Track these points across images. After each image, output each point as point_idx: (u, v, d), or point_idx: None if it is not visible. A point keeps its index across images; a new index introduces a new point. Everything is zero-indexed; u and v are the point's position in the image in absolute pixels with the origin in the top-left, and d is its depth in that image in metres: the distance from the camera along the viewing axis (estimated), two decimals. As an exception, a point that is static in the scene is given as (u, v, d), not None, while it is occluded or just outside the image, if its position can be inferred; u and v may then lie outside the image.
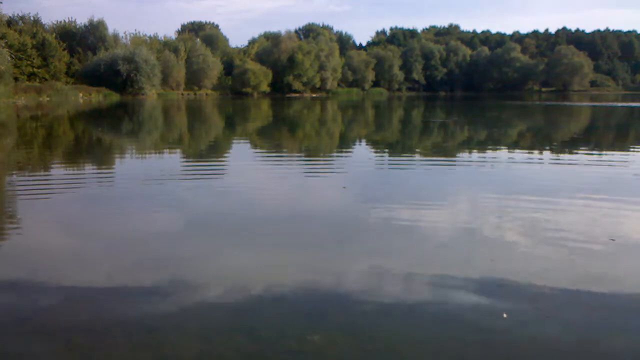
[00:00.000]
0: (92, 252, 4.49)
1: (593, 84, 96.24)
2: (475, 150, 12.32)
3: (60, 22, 62.15)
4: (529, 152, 12.00)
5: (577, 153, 11.88)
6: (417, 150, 12.54)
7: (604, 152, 12.11)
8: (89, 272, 3.98)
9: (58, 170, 9.40)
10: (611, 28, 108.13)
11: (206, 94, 66.54)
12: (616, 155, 11.44)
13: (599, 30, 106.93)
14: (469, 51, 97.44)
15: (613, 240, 4.68)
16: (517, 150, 12.28)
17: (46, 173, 9.16)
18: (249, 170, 9.28)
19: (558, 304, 3.39)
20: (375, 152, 12.55)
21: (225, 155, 12.32)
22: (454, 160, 10.70)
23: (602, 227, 5.12)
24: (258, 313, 3.27)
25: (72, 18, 69.87)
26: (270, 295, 3.53)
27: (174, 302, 3.42)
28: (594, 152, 12.21)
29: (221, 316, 3.23)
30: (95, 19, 61.08)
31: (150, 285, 3.70)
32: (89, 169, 9.61)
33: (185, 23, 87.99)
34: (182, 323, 3.14)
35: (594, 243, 4.61)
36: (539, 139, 15.75)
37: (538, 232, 4.96)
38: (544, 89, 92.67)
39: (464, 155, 11.41)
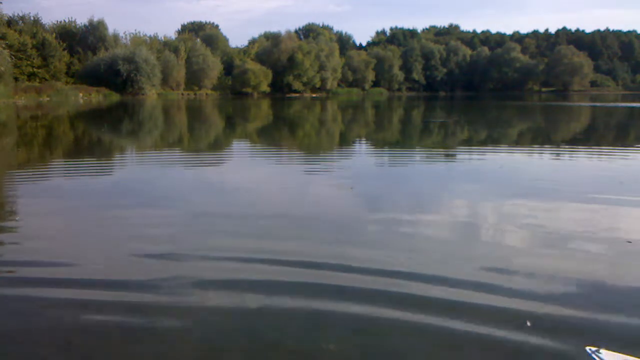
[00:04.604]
0: (89, 248, 4.40)
1: (593, 84, 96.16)
2: (476, 150, 12.22)
3: (60, 22, 62.20)
4: (534, 152, 11.91)
5: (582, 153, 11.79)
6: (419, 149, 12.43)
7: (612, 152, 12.00)
8: (85, 268, 3.90)
9: (58, 168, 9.30)
10: (611, 28, 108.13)
11: (206, 94, 66.46)
12: (625, 155, 11.33)
13: (599, 30, 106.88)
14: (469, 51, 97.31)
15: (630, 242, 4.58)
16: (521, 151, 12.19)
17: (45, 171, 9.04)
18: (249, 169, 9.19)
19: (581, 309, 3.29)
20: (377, 152, 12.44)
21: (225, 154, 12.22)
22: (456, 161, 10.60)
23: (619, 229, 5.01)
24: (258, 313, 3.20)
25: (72, 18, 69.94)
26: (270, 294, 3.44)
27: (173, 301, 3.35)
28: (602, 152, 12.11)
29: (221, 316, 3.17)
30: (95, 19, 61.13)
31: (149, 284, 3.61)
32: (89, 166, 9.49)
33: (185, 23, 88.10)
34: (181, 322, 3.08)
35: (611, 245, 4.51)
36: (543, 140, 15.65)
37: (554, 235, 4.85)
38: (544, 89, 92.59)
39: (466, 155, 11.31)
